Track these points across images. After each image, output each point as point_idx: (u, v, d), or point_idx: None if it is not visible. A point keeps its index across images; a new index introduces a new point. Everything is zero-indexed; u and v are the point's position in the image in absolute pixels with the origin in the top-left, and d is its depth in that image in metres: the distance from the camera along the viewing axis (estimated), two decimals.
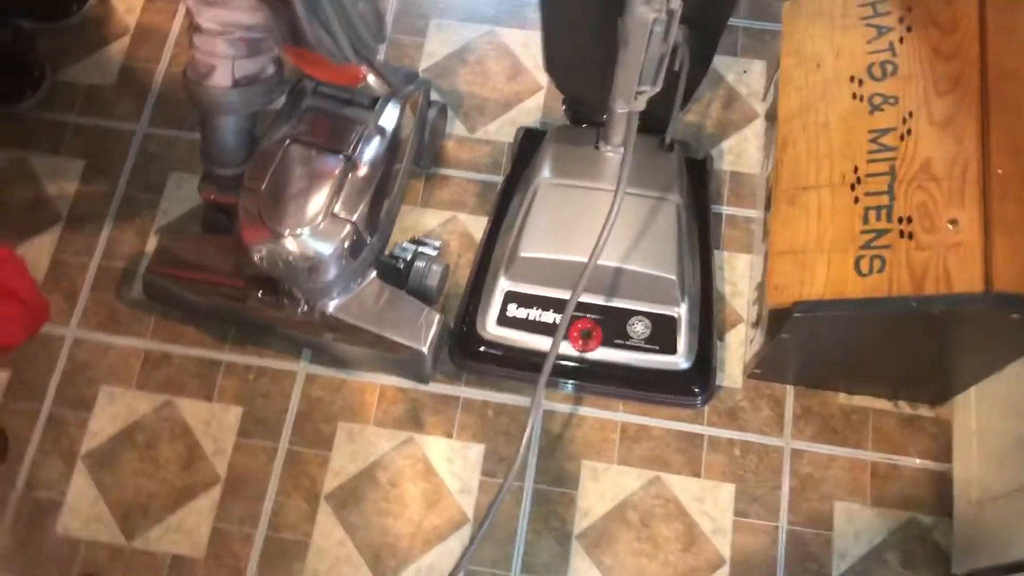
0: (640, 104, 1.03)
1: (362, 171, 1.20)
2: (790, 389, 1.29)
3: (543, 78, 1.47)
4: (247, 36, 1.16)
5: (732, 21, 1.50)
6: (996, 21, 1.08)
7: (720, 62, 1.48)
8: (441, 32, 1.52)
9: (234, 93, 1.18)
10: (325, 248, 1.15)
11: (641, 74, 0.97)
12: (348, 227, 1.16)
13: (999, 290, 0.95)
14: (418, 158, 1.37)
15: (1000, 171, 1.01)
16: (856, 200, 1.08)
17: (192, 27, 1.16)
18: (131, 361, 1.31)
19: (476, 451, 1.26)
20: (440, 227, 1.39)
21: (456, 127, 1.46)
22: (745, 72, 1.48)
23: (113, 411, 1.29)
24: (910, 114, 1.09)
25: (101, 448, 1.27)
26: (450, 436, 1.27)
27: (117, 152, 1.44)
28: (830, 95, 1.15)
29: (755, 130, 1.44)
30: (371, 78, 1.16)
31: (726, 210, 1.39)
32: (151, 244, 1.38)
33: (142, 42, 1.51)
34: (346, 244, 1.17)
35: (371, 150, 1.22)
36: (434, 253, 1.31)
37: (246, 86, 1.19)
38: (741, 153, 1.43)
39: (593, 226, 1.15)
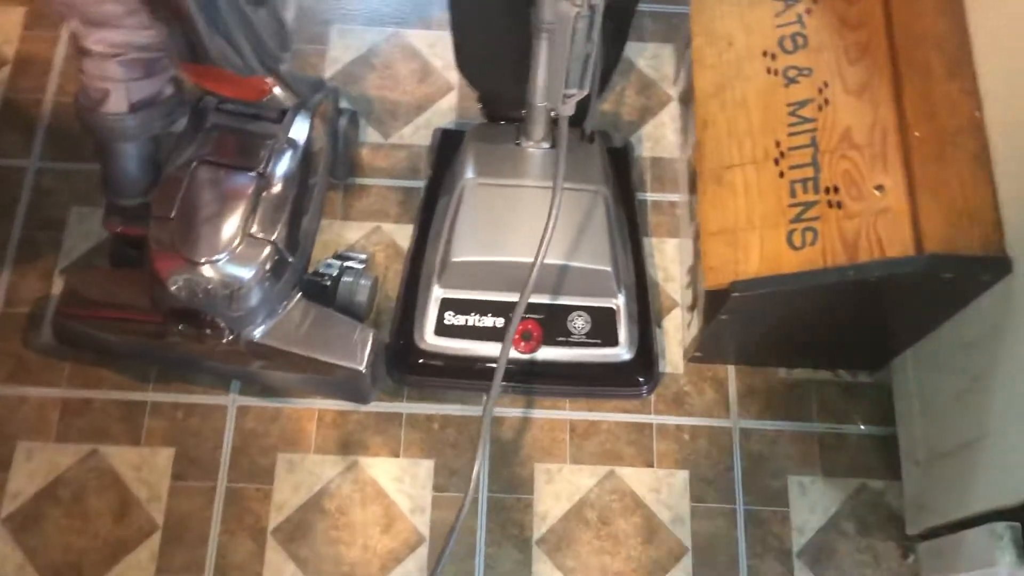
0: (569, 108, 1.00)
1: (276, 187, 1.15)
2: (731, 369, 1.29)
3: (454, 77, 1.44)
4: (141, 56, 1.09)
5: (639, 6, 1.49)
6: None
7: (630, 48, 1.46)
8: (344, 38, 1.47)
9: (131, 118, 1.12)
10: (245, 272, 1.10)
11: (568, 76, 0.94)
12: (268, 248, 1.11)
13: (931, 251, 0.97)
14: (333, 169, 1.32)
15: (917, 134, 1.03)
16: (781, 174, 1.08)
17: (80, 51, 1.09)
18: (48, 412, 1.23)
19: (425, 467, 1.22)
20: (364, 239, 1.34)
21: (370, 134, 1.41)
22: (655, 57, 1.47)
23: (32, 467, 1.20)
24: (825, 84, 1.09)
25: (22, 509, 1.18)
26: (397, 455, 1.22)
27: (9, 192, 1.34)
28: (744, 72, 1.15)
29: (671, 114, 1.44)
30: (277, 90, 1.11)
31: (650, 196, 1.38)
32: (57, 286, 1.29)
33: (23, 73, 1.42)
34: (267, 266, 1.11)
35: (283, 165, 1.16)
36: (361, 267, 1.26)
37: (144, 110, 1.12)
38: (659, 138, 1.42)
39: (523, 224, 1.13)
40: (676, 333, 1.30)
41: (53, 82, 1.42)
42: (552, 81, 0.97)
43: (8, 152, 1.37)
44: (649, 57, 1.47)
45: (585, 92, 0.99)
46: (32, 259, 1.31)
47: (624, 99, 1.45)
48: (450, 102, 1.43)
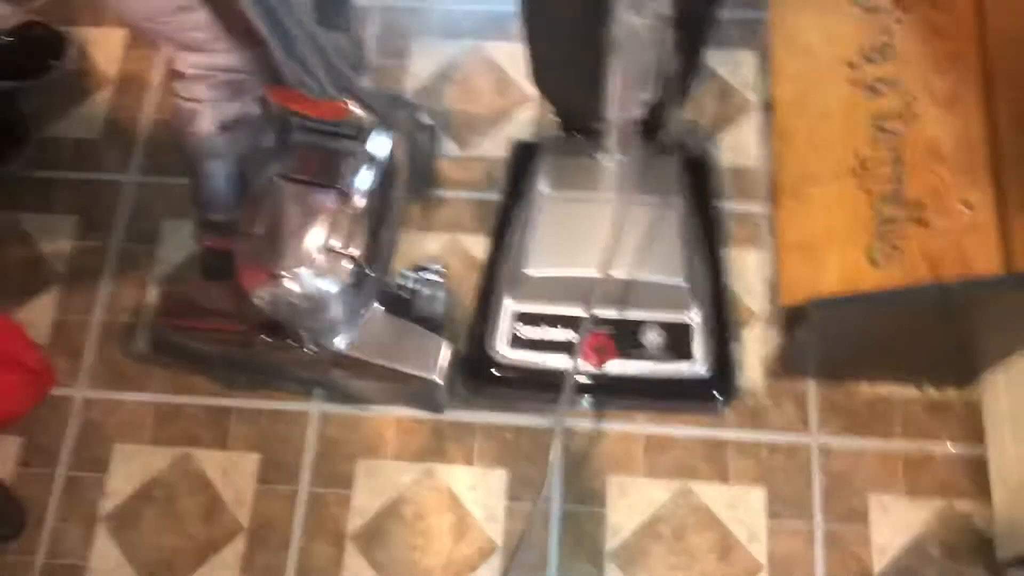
0: (639, 111, 1.00)
1: (356, 203, 1.18)
2: (812, 384, 1.26)
3: (531, 90, 1.44)
4: (228, 79, 1.14)
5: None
6: None
7: (711, 55, 1.45)
8: (424, 51, 1.49)
9: (220, 137, 1.17)
10: (327, 285, 1.13)
11: (638, 82, 0.94)
12: (348, 262, 1.14)
13: (1021, 270, 0.93)
14: (413, 182, 1.34)
15: (1010, 146, 0.98)
16: (863, 188, 1.05)
17: (173, 74, 1.15)
18: (143, 416, 1.29)
19: (499, 477, 1.23)
20: (441, 250, 1.37)
21: (448, 146, 1.43)
22: (737, 64, 1.45)
23: (129, 469, 1.27)
24: (912, 96, 1.06)
25: (121, 508, 1.25)
26: (471, 463, 1.24)
27: (108, 204, 1.42)
28: (826, 82, 1.12)
29: (751, 122, 1.41)
30: (356, 109, 1.14)
31: (731, 206, 1.36)
32: (151, 295, 1.36)
33: (125, 92, 1.49)
34: (347, 279, 1.15)
35: (364, 180, 1.19)
36: (438, 279, 1.28)
37: (231, 129, 1.17)
38: (739, 147, 1.40)
39: (597, 238, 1.12)
40: (756, 346, 1.28)
41: (151, 100, 1.49)
42: (623, 89, 0.97)
43: (110, 167, 1.45)
44: (730, 63, 1.45)
45: (656, 98, 0.98)
46: (129, 270, 1.38)
47: (704, 107, 1.43)
48: (528, 114, 1.44)
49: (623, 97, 0.98)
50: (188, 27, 1.03)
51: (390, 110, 1.24)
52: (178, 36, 1.07)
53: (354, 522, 1.22)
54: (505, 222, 1.32)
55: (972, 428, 1.21)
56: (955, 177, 1.00)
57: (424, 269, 1.30)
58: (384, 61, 1.49)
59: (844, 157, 1.08)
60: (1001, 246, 0.94)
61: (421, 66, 1.48)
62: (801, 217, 1.08)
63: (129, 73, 1.50)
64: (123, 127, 1.47)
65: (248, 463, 1.26)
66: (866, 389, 1.25)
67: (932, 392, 1.24)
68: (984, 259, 0.95)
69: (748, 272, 1.32)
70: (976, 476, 1.19)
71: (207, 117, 1.15)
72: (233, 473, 1.26)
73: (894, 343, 1.14)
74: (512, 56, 1.48)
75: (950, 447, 1.21)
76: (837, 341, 1.15)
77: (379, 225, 1.23)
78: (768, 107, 1.33)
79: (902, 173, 1.03)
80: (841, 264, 1.03)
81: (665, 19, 0.87)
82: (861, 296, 1.00)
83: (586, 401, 1.25)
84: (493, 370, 1.23)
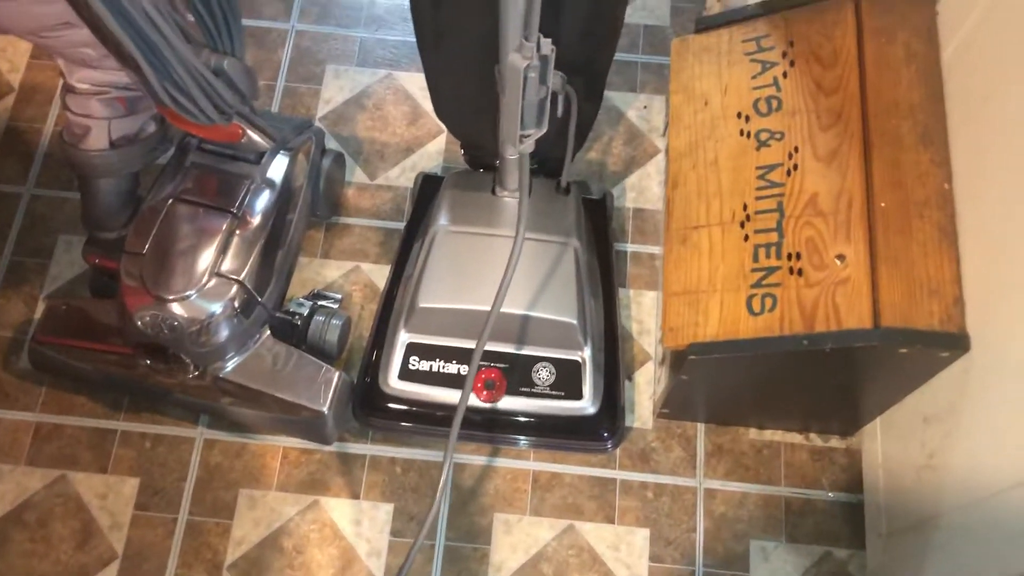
0: (528, 147, 1.00)
1: (250, 227, 1.17)
2: (701, 427, 1.27)
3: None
4: (123, 95, 1.12)
5: (630, 57, 1.50)
6: (874, 54, 1.09)
7: (620, 98, 1.47)
8: (338, 78, 1.49)
9: (112, 154, 1.15)
10: (212, 309, 1.11)
11: (523, 118, 0.95)
12: (236, 286, 1.13)
13: (887, 325, 0.95)
14: (314, 208, 1.34)
15: (883, 204, 1.01)
16: (746, 238, 1.07)
17: (66, 88, 1.12)
18: (20, 436, 1.25)
19: (384, 511, 1.22)
20: (342, 278, 1.36)
21: (356, 174, 1.43)
22: (645, 108, 1.47)
23: (1, 490, 1.22)
24: (795, 149, 1.08)
25: None
26: (357, 497, 1.23)
27: (2, 216, 1.38)
28: (718, 132, 1.15)
29: (657, 166, 1.44)
30: (251, 133, 1.13)
31: (630, 247, 1.38)
32: (40, 311, 1.32)
33: (27, 102, 1.46)
34: (235, 303, 1.13)
35: (259, 204, 1.18)
36: (333, 307, 1.27)
37: (125, 146, 1.15)
38: (644, 189, 1.42)
39: (492, 273, 1.12)
40: (648, 388, 1.29)
41: (55, 111, 1.46)
42: (514, 127, 0.98)
43: (6, 178, 1.41)
44: (639, 107, 1.47)
45: (543, 131, 0.99)
46: (19, 284, 1.34)
47: (611, 149, 1.45)
48: (438, 146, 1.45)
49: (514, 135, 0.99)
50: (76, 43, 1.01)
51: (293, 134, 1.24)
52: (68, 51, 1.05)
53: (233, 552, 1.20)
54: (405, 253, 1.31)
55: (853, 477, 1.24)
56: (831, 231, 1.02)
57: (321, 296, 1.29)
58: (296, 85, 1.48)
59: (731, 206, 1.10)
60: (871, 301, 0.97)
61: (334, 92, 1.48)
62: (687, 264, 1.10)
63: (32, 83, 1.47)
64: (23, 137, 1.44)
65: (127, 488, 1.23)
66: (753, 434, 1.27)
67: (817, 439, 1.27)
68: (855, 313, 0.97)
69: (644, 313, 1.33)
70: (854, 524, 1.21)
71: (100, 133, 1.13)
72: (111, 497, 1.22)
73: (777, 390, 1.16)
74: (425, 87, 1.47)
75: (830, 495, 1.23)
76: (721, 386, 1.16)
77: (274, 250, 1.21)
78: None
79: (783, 224, 1.05)
80: (721, 311, 1.05)
81: (547, 59, 0.88)
82: (737, 343, 1.02)
83: (475, 436, 1.24)
84: (384, 402, 1.22)
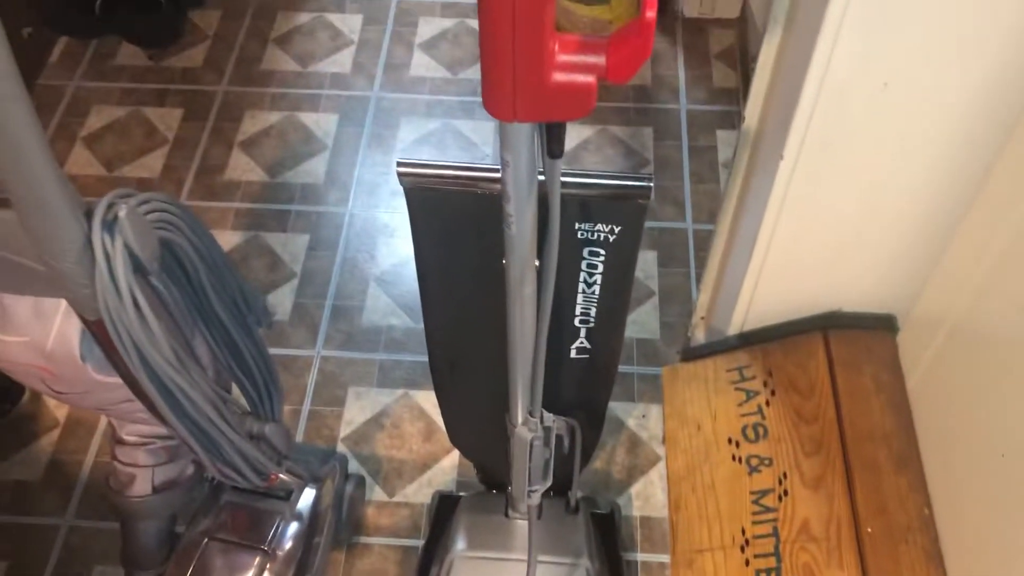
0: (535, 500, 1.10)
1: (280, 561, 1.23)
2: None
3: None
4: (167, 444, 1.23)
5: (627, 368, 1.63)
6: (845, 385, 1.21)
7: (620, 408, 1.59)
8: (359, 399, 1.62)
9: (155, 499, 1.24)
10: None
11: (530, 477, 1.05)
12: None
13: None
14: (337, 531, 1.41)
15: (870, 530, 1.09)
16: (747, 563, 1.14)
17: (114, 439, 1.24)
18: None
19: None
20: None
21: (375, 492, 1.51)
22: (644, 416, 1.59)
23: None
24: (784, 475, 1.18)
25: None
26: None
27: (41, 550, 1.45)
28: (712, 457, 1.25)
29: (660, 472, 1.52)
30: (285, 476, 1.23)
31: (640, 556, 1.44)
32: None
33: (71, 435, 1.58)
34: None
35: (289, 538, 1.26)
36: None
37: (166, 491, 1.24)
38: (648, 497, 1.50)
39: None
40: None
41: (96, 443, 1.57)
42: (517, 482, 1.08)
43: (46, 510, 1.50)
44: (638, 416, 1.59)
45: (548, 485, 1.09)
46: None
47: (614, 458, 1.54)
48: (452, 460, 1.55)
49: (522, 492, 1.09)
50: (131, 410, 1.14)
51: (319, 465, 1.34)
52: (117, 411, 1.17)
53: None
54: (424, 575, 1.37)
55: None
56: (825, 556, 1.09)
57: None
58: (320, 408, 1.61)
59: (730, 530, 1.18)
60: None
61: (355, 413, 1.60)
62: None
63: (77, 416, 1.60)
64: (65, 470, 1.54)
65: None
66: None
67: None
68: None
69: None
70: None
71: (144, 480, 1.23)
72: None
73: None
74: (438, 405, 1.60)
75: None
76: None
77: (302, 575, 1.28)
78: None
79: (781, 548, 1.13)
80: None
81: (550, 430, 0.99)
82: None
83: None
84: None
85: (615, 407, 1.59)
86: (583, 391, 1.19)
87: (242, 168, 1.93)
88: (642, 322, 1.70)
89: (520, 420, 0.97)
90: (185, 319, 0.93)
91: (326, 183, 1.90)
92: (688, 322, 1.63)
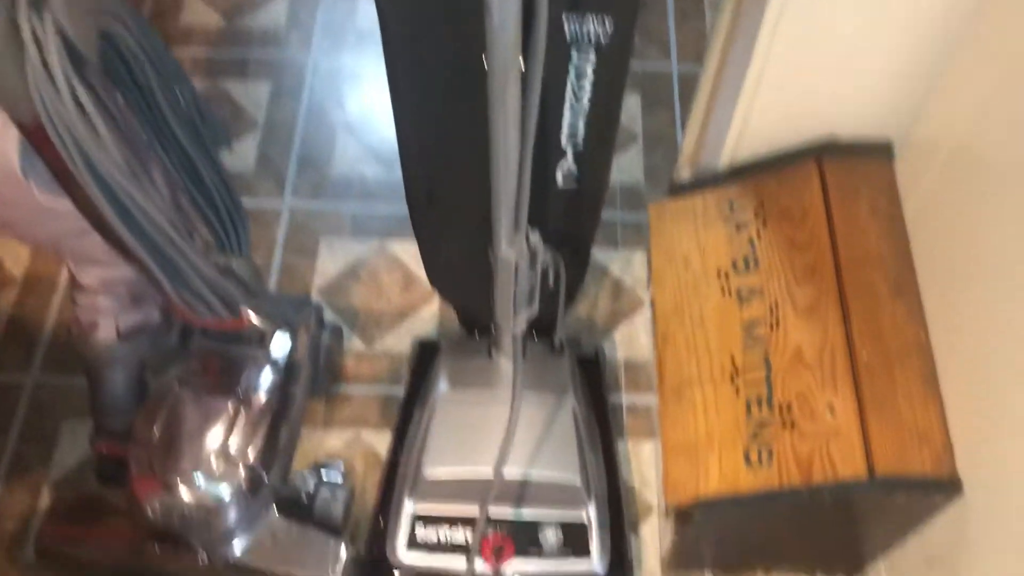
0: (521, 326, 1.06)
1: (255, 409, 1.19)
2: (709, 575, 1.28)
3: None
4: (129, 290, 1.17)
5: (610, 215, 1.58)
6: (840, 210, 1.16)
7: (603, 255, 1.54)
8: (332, 250, 1.55)
9: (120, 346, 1.19)
10: (222, 494, 1.13)
11: (515, 303, 1.00)
12: (244, 469, 1.15)
13: (881, 475, 0.98)
14: (315, 382, 1.37)
15: (865, 356, 1.06)
16: (738, 392, 1.11)
17: (74, 285, 1.17)
18: None
19: None
20: (345, 446, 1.38)
21: (354, 343, 1.47)
22: (627, 263, 1.54)
23: None
24: (776, 304, 1.14)
25: None
26: None
27: (6, 406, 1.40)
28: (701, 291, 1.21)
29: (643, 317, 1.49)
30: (256, 319, 1.17)
31: (625, 399, 1.42)
32: (44, 500, 1.32)
33: (30, 292, 1.50)
34: (243, 486, 1.15)
35: (263, 385, 1.22)
36: (338, 479, 1.29)
37: (132, 337, 1.19)
38: (632, 341, 1.47)
39: (494, 438, 1.15)
40: (653, 540, 1.30)
41: (58, 299, 1.50)
42: (508, 308, 1.03)
43: (9, 366, 1.44)
44: (622, 262, 1.54)
45: (535, 311, 1.04)
46: (22, 473, 1.35)
47: (598, 303, 1.50)
48: (432, 310, 1.50)
49: (508, 319, 1.04)
50: (88, 247, 1.06)
51: (294, 313, 1.28)
52: (78, 253, 1.10)
53: None
54: (406, 421, 1.34)
55: None
56: (819, 382, 1.07)
57: (325, 467, 1.31)
58: (293, 260, 1.54)
59: (720, 361, 1.15)
60: (864, 451, 1.00)
61: (329, 264, 1.54)
62: (683, 419, 1.14)
63: (36, 273, 1.52)
64: (27, 327, 1.47)
65: None
66: None
67: None
68: (849, 464, 1.00)
69: (644, 464, 1.36)
70: None
71: (108, 326, 1.18)
72: None
73: (780, 538, 1.18)
74: (416, 255, 1.53)
75: None
76: (726, 537, 1.18)
77: (279, 425, 1.24)
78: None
79: (772, 377, 1.10)
80: (720, 466, 1.08)
81: (536, 252, 0.94)
82: (739, 500, 1.04)
83: None
84: (392, 573, 1.22)
85: (598, 254, 1.54)
86: (569, 224, 1.14)
87: (199, 11, 1.80)
88: (625, 167, 1.64)
89: (505, 242, 0.91)
90: (136, 134, 0.85)
91: (287, 26, 1.78)
92: (674, 165, 1.57)
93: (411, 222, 1.19)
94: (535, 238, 0.91)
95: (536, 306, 1.04)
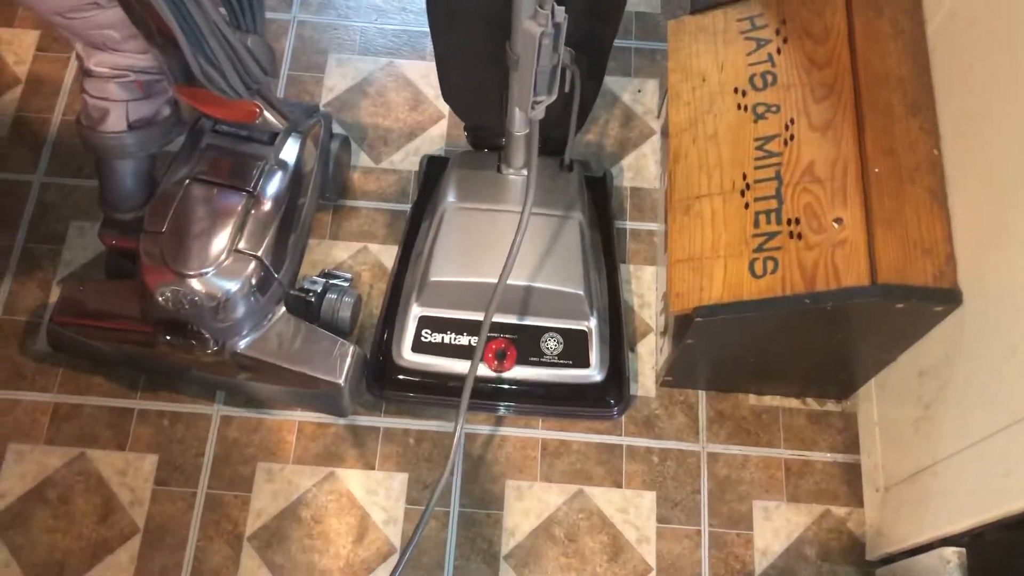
0: (539, 113, 1.04)
1: (265, 206, 1.20)
2: (702, 394, 1.32)
3: (444, 107, 1.49)
4: (140, 78, 1.15)
5: (624, 43, 1.55)
6: (863, 29, 1.14)
7: (615, 83, 1.52)
8: (340, 66, 1.53)
9: (130, 136, 1.17)
10: (231, 285, 1.15)
11: (535, 85, 0.99)
12: (253, 263, 1.16)
13: (884, 282, 1.00)
14: (323, 190, 1.37)
15: (877, 170, 1.07)
16: (747, 205, 1.12)
17: (84, 72, 1.15)
18: (39, 416, 1.28)
19: (399, 480, 1.26)
20: (351, 259, 1.39)
21: (361, 159, 1.46)
22: (640, 91, 1.52)
23: (22, 469, 1.25)
24: (791, 121, 1.14)
25: (11, 509, 1.22)
26: (372, 468, 1.26)
27: (13, 205, 1.41)
28: (716, 107, 1.20)
29: (652, 146, 1.49)
30: (267, 113, 1.17)
31: (629, 225, 1.43)
32: (54, 296, 1.34)
33: (34, 93, 1.48)
34: (252, 280, 1.16)
35: (273, 185, 1.22)
36: (345, 284, 1.31)
37: (142, 129, 1.18)
38: (640, 169, 1.47)
39: (500, 247, 1.17)
40: (650, 358, 1.34)
41: (62, 101, 1.49)
42: (522, 90, 1.02)
43: (16, 167, 1.43)
44: (633, 91, 1.53)
45: (553, 98, 1.03)
46: (32, 270, 1.36)
47: (608, 131, 1.50)
48: (440, 130, 1.49)
49: (527, 101, 1.02)
50: (100, 24, 1.04)
51: (302, 118, 1.27)
52: (89, 34, 1.08)
53: (252, 524, 1.23)
54: (413, 231, 1.35)
55: (849, 438, 1.29)
56: (828, 196, 1.07)
57: (332, 275, 1.33)
58: (300, 73, 1.52)
59: (731, 176, 1.15)
60: (868, 260, 1.02)
61: (336, 80, 1.52)
62: (691, 232, 1.15)
63: (39, 74, 1.50)
64: (31, 127, 1.46)
65: (146, 464, 1.26)
66: (752, 400, 1.32)
67: (813, 403, 1.32)
68: (853, 272, 1.02)
69: (644, 287, 1.38)
70: (851, 483, 1.26)
71: (117, 116, 1.16)
72: (131, 474, 1.25)
73: (777, 354, 1.21)
74: (425, 74, 1.52)
75: (828, 456, 1.28)
76: (723, 351, 1.21)
77: (288, 229, 1.25)
78: (666, 132, 1.40)
79: (782, 191, 1.10)
80: (725, 275, 1.10)
81: (560, 27, 0.92)
82: (741, 304, 1.07)
83: (488, 406, 1.28)
84: (397, 374, 1.26)
85: (610, 81, 1.52)
86: (587, 25, 1.11)
87: None
88: None
89: (528, 12, 0.89)
90: None
91: None
92: None
93: (432, 41, 1.17)
94: (560, 12, 0.89)
95: (556, 92, 1.02)
